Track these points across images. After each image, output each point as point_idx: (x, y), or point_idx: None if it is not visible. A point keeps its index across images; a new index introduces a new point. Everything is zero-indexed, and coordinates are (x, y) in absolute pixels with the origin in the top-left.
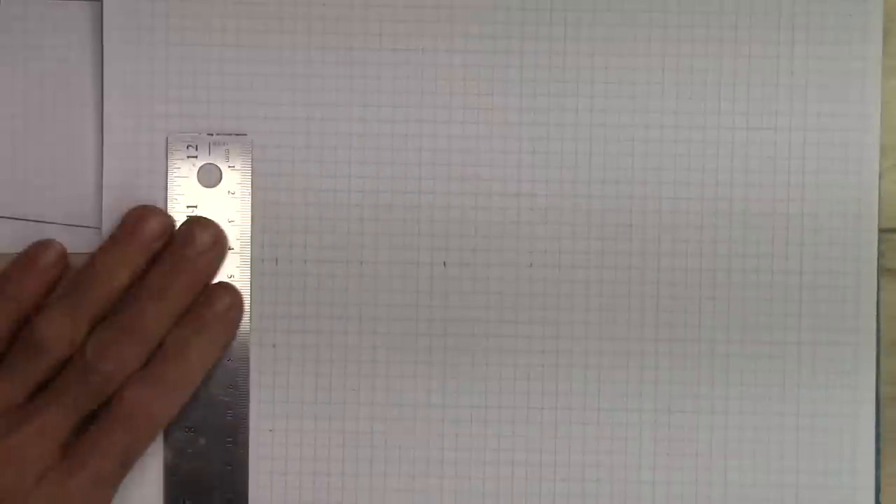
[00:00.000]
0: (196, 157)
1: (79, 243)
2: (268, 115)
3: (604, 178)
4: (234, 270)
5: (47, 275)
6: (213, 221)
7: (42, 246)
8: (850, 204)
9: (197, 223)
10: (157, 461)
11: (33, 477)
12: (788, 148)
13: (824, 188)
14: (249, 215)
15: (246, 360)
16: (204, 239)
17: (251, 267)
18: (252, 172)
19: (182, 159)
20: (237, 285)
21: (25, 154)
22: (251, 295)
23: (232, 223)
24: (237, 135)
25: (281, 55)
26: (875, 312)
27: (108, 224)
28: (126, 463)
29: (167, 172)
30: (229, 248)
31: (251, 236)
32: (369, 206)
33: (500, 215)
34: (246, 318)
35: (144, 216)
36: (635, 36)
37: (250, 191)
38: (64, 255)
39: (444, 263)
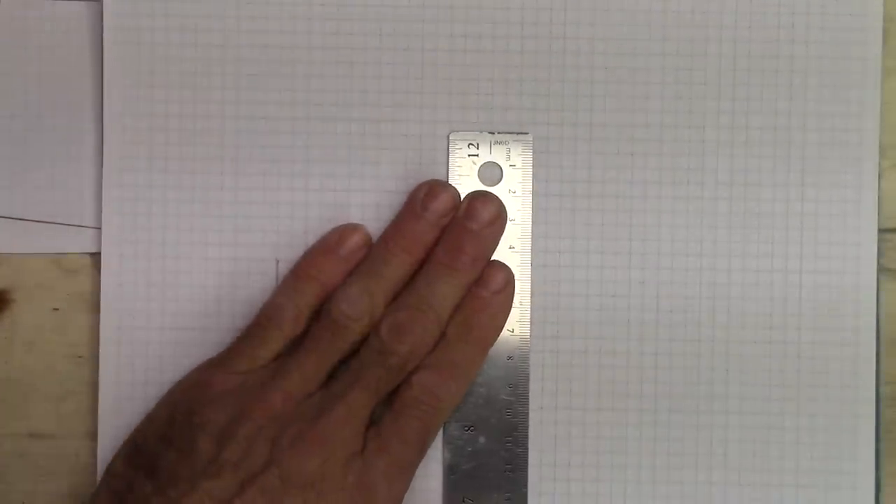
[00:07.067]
0: (477, 155)
1: (78, 243)
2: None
3: (604, 177)
4: (514, 269)
5: (349, 261)
6: (493, 194)
7: (349, 230)
8: (850, 204)
9: (478, 197)
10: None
11: (342, 462)
12: (788, 148)
13: (824, 188)
14: (530, 214)
15: (526, 359)
16: (488, 212)
17: (532, 268)
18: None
19: (463, 157)
20: (518, 285)
21: (25, 154)
22: (532, 296)
23: (513, 222)
24: (519, 133)
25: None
26: (875, 312)
27: (108, 224)
28: (422, 449)
29: (448, 169)
30: (510, 247)
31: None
32: (370, 205)
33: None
34: (527, 318)
35: (434, 191)
36: (635, 36)
37: (531, 190)
38: (368, 241)
39: None
